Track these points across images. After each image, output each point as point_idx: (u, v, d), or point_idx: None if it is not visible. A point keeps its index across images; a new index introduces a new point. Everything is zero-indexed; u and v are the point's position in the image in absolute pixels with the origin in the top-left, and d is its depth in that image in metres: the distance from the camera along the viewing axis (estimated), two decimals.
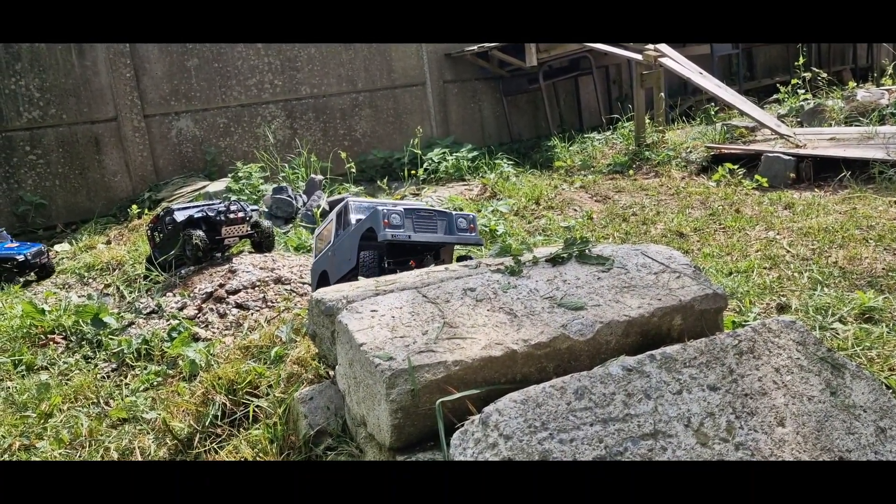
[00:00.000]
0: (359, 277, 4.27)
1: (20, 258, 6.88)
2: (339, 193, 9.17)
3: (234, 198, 8.44)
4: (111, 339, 5.27)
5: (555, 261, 3.52)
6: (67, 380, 4.75)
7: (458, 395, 2.51)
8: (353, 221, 4.76)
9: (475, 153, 11.11)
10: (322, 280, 5.14)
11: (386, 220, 4.28)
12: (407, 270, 4.54)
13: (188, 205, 6.93)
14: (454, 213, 4.62)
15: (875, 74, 15.38)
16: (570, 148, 11.20)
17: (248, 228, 6.63)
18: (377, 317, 2.93)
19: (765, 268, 4.96)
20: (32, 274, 7.21)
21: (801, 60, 11.26)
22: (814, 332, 3.25)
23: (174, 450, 3.75)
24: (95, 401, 4.47)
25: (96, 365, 4.99)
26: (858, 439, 2.37)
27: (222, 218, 6.43)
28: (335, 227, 4.99)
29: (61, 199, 9.82)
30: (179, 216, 6.51)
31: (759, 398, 2.42)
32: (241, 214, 6.52)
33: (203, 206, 6.71)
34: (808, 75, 11.04)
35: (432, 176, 10.56)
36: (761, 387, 2.46)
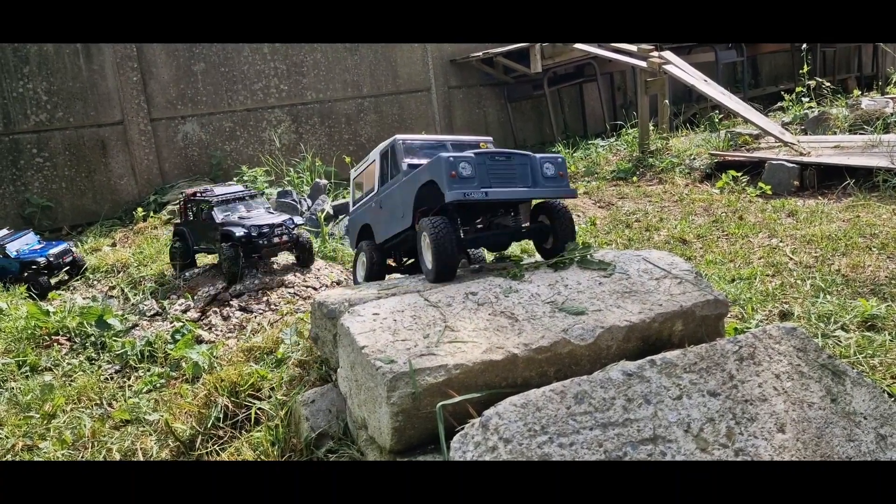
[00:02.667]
0: (424, 254, 3.48)
1: (42, 260, 6.84)
2: (344, 198, 9.20)
3: (271, 207, 7.04)
4: (115, 340, 5.30)
5: (556, 266, 3.53)
6: (71, 381, 4.77)
7: (458, 398, 2.52)
8: (405, 167, 3.81)
9: None
10: (364, 234, 4.34)
11: (453, 172, 3.30)
12: (483, 232, 3.74)
13: (227, 193, 6.42)
14: (538, 155, 3.62)
15: (880, 83, 15.38)
16: (574, 154, 11.22)
17: (291, 245, 6.13)
18: (379, 320, 2.95)
19: (768, 275, 4.96)
20: (63, 273, 7.16)
21: (806, 68, 11.26)
22: (816, 340, 3.25)
23: (176, 451, 3.77)
24: (99, 402, 4.49)
25: (100, 366, 5.02)
26: (859, 447, 2.37)
27: (265, 242, 5.93)
28: (379, 170, 4.08)
29: (67, 201, 9.87)
30: (218, 215, 6.14)
31: (760, 404, 2.42)
32: (285, 238, 6.01)
33: (245, 207, 6.25)
34: (812, 83, 11.04)
35: None
36: (762, 393, 2.46)
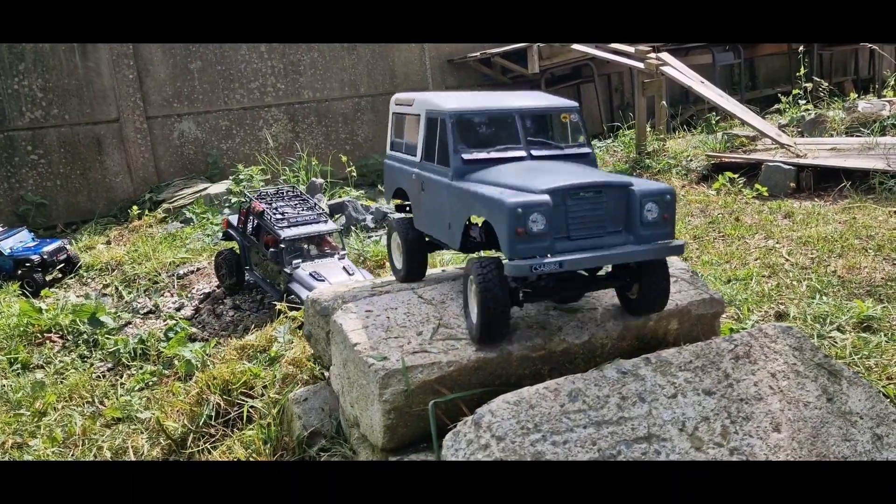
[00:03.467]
0: (469, 301, 2.72)
1: (35, 258, 6.78)
2: (340, 197, 9.17)
3: (346, 252, 6.21)
4: (108, 338, 5.27)
5: None
6: (63, 378, 4.74)
7: (451, 395, 2.50)
8: (459, 163, 2.95)
9: None
10: (399, 194, 3.69)
11: (520, 229, 2.47)
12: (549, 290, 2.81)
13: (299, 225, 5.75)
14: (638, 189, 2.67)
15: (876, 85, 15.40)
16: None
17: None
18: (372, 317, 2.92)
19: (764, 276, 4.94)
20: (57, 271, 7.10)
21: (803, 71, 11.26)
22: (811, 340, 3.23)
23: (167, 449, 3.73)
24: (90, 400, 4.46)
25: (92, 364, 4.99)
26: (855, 446, 2.35)
27: None
28: (424, 138, 3.28)
29: (62, 199, 9.83)
30: (288, 258, 5.52)
31: (755, 403, 2.40)
32: None
33: (316, 248, 5.72)
34: (809, 86, 11.04)
35: None
36: (757, 392, 2.44)
